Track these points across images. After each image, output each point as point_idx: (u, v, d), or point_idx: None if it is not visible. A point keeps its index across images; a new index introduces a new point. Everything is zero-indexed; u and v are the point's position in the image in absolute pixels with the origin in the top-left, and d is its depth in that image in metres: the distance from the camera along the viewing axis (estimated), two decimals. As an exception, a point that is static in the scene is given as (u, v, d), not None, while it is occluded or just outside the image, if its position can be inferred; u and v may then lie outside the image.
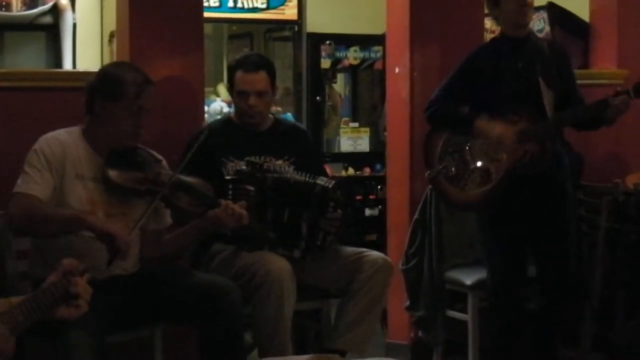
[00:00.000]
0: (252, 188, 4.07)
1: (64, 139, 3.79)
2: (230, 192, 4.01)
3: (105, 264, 3.54)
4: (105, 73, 3.92)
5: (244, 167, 4.22)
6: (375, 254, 4.35)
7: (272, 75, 4.51)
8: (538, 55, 4.52)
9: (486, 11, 5.51)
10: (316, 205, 4.23)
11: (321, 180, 4.28)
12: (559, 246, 4.54)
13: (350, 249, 4.38)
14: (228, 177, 4.19)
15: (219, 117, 6.87)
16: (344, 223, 4.32)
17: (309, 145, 4.71)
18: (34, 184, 3.67)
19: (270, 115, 4.62)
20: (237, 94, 4.45)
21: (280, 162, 4.41)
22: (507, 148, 4.43)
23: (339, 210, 4.28)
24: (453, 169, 4.57)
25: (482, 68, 4.53)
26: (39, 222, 3.61)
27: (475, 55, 4.68)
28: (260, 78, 4.43)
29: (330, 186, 4.26)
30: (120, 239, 3.50)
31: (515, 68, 4.48)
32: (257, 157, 4.29)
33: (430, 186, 5.11)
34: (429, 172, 4.66)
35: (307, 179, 4.26)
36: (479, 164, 4.52)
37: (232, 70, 4.50)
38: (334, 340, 4.29)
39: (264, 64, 4.50)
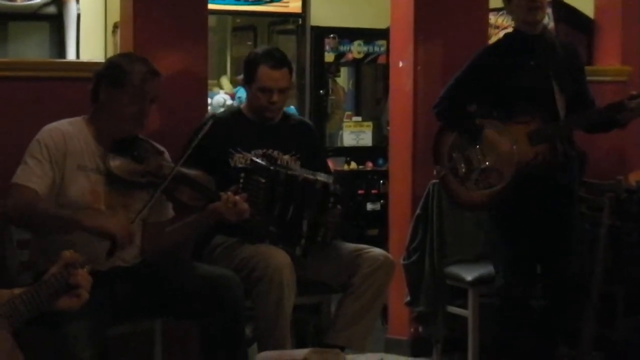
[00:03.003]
0: (263, 180, 4.08)
1: (66, 130, 3.79)
2: (241, 180, 4.02)
3: (105, 256, 3.53)
4: (113, 61, 3.94)
5: (259, 159, 4.23)
6: (377, 250, 4.35)
7: (291, 71, 4.54)
8: (551, 53, 4.50)
9: (492, 6, 5.52)
10: (317, 201, 4.23)
11: (321, 176, 4.28)
12: (563, 245, 4.54)
13: (352, 245, 4.38)
14: (241, 166, 4.20)
15: (222, 109, 6.87)
16: (344, 218, 4.32)
17: (315, 141, 4.72)
18: (33, 175, 3.66)
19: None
20: (259, 90, 4.42)
21: (287, 157, 4.41)
22: (515, 160, 4.41)
23: (338, 206, 4.28)
24: (462, 168, 4.54)
25: (494, 64, 4.49)
26: (35, 220, 3.62)
27: (488, 50, 4.67)
28: (284, 75, 4.43)
29: (330, 182, 4.26)
30: (117, 234, 3.51)
31: (527, 65, 4.45)
32: (265, 151, 4.29)
33: (434, 182, 5.11)
34: (437, 169, 4.63)
35: (309, 175, 4.26)
36: (488, 163, 4.49)
37: (253, 65, 4.45)
38: (333, 335, 4.29)
39: (287, 61, 4.51)
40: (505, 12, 5.01)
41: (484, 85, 4.50)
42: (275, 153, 4.38)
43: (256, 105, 4.47)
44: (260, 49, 4.71)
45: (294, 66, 8.12)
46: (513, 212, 4.48)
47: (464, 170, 4.54)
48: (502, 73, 4.45)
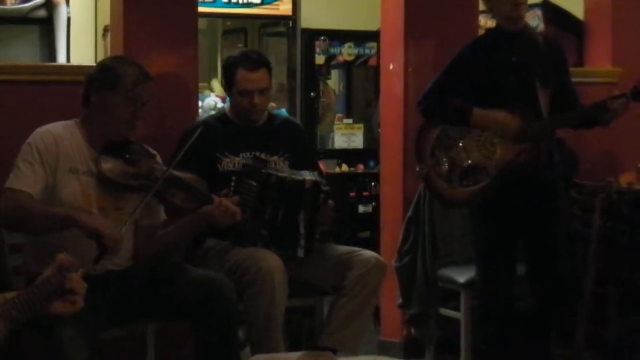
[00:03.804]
0: (254, 183, 4.07)
1: (58, 133, 3.78)
2: (232, 184, 4.02)
3: (92, 261, 3.50)
4: (105, 64, 3.94)
5: (250, 162, 4.22)
6: (368, 253, 4.35)
7: (270, 71, 4.51)
8: (533, 49, 4.49)
9: (481, 8, 5.52)
10: (310, 201, 4.23)
11: (308, 175, 4.28)
12: (549, 244, 4.53)
13: (344, 248, 4.38)
14: (231, 169, 4.19)
15: (212, 112, 6.87)
16: (337, 211, 4.33)
17: (303, 140, 4.71)
18: (26, 179, 3.66)
19: (266, 111, 4.61)
20: (239, 93, 4.42)
21: (275, 157, 4.41)
22: (509, 134, 4.41)
23: (330, 201, 4.29)
24: (445, 166, 4.54)
25: (476, 61, 4.49)
26: (28, 219, 3.61)
27: (469, 48, 4.65)
28: (262, 76, 4.43)
29: (318, 179, 4.26)
30: (107, 237, 3.49)
31: (509, 62, 4.45)
32: (255, 154, 4.29)
33: (422, 183, 5.11)
34: (420, 167, 4.63)
35: (296, 176, 4.25)
36: (471, 161, 4.50)
37: (231, 69, 4.46)
38: (326, 337, 4.28)
39: (264, 61, 4.50)
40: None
41: (466, 82, 4.49)
42: (264, 155, 4.37)
43: (239, 109, 4.47)
44: (237, 52, 4.69)
45: (284, 68, 8.22)
46: (495, 210, 4.49)
47: (446, 167, 4.54)
48: (483, 70, 4.45)
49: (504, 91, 4.42)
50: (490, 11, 4.65)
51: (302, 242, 4.23)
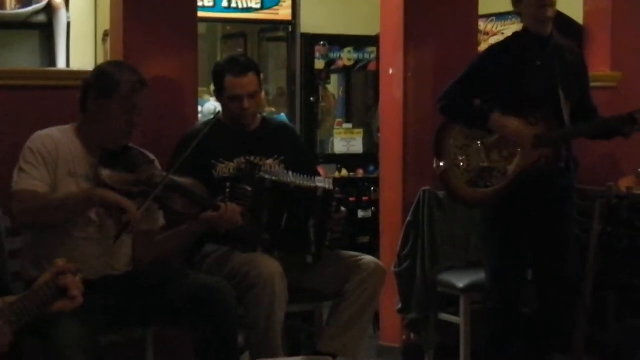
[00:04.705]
0: (249, 188, 4.07)
1: (56, 137, 3.79)
2: (227, 190, 4.01)
3: (113, 238, 3.58)
4: (101, 71, 3.93)
5: (243, 167, 4.22)
6: (368, 258, 4.35)
7: (259, 74, 4.51)
8: (558, 56, 4.48)
9: (482, 12, 5.52)
10: (321, 208, 4.24)
11: (321, 182, 4.29)
12: (558, 250, 4.53)
13: (344, 253, 4.37)
14: (226, 175, 4.19)
15: (212, 116, 6.86)
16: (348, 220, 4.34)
17: (298, 143, 4.71)
18: (32, 179, 3.66)
19: (258, 115, 4.61)
20: (229, 99, 4.43)
21: (270, 161, 4.41)
22: (524, 145, 4.41)
23: (342, 209, 4.29)
24: (464, 165, 4.53)
25: (501, 62, 4.47)
26: (49, 210, 3.61)
27: (495, 49, 4.64)
28: (250, 80, 4.42)
29: (331, 187, 4.26)
30: (129, 210, 3.53)
31: (534, 65, 4.43)
32: (248, 158, 4.29)
33: (424, 189, 5.12)
34: (438, 165, 4.61)
35: (307, 183, 4.25)
36: (490, 162, 4.49)
37: (219, 75, 4.46)
38: (326, 342, 4.27)
39: (252, 65, 4.50)
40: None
41: (489, 83, 4.48)
42: (258, 159, 4.36)
43: (230, 114, 4.47)
44: (224, 58, 4.69)
45: (284, 73, 8.22)
46: (509, 213, 4.48)
47: (464, 166, 4.53)
48: (508, 71, 4.43)
49: (526, 95, 4.42)
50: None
51: (312, 248, 4.23)
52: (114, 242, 3.60)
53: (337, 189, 4.32)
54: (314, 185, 4.26)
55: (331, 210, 4.25)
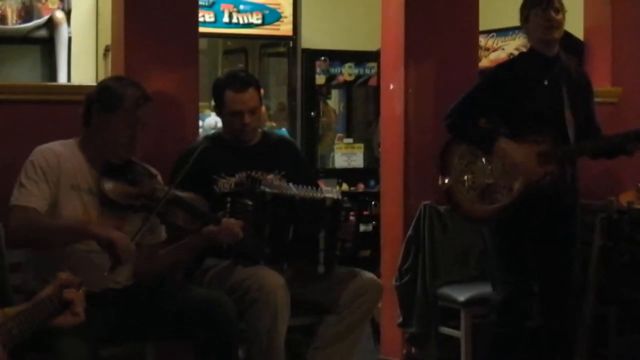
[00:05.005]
0: (250, 202, 4.07)
1: (59, 150, 3.79)
2: (228, 205, 4.01)
3: (107, 270, 3.54)
4: (105, 85, 3.93)
5: (243, 181, 4.23)
6: (366, 273, 4.35)
7: (259, 89, 4.52)
8: (565, 76, 4.50)
9: (481, 28, 5.53)
10: (330, 218, 4.24)
11: (329, 193, 4.30)
12: (563, 266, 4.54)
13: (342, 268, 4.37)
14: (227, 191, 4.19)
15: (213, 131, 6.87)
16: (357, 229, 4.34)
17: (298, 157, 4.72)
18: (31, 195, 3.66)
19: (259, 130, 4.62)
20: (229, 114, 4.43)
21: (271, 176, 4.41)
22: (526, 174, 4.42)
23: (351, 218, 4.30)
24: (469, 182, 4.54)
25: (507, 80, 4.49)
26: (42, 234, 3.61)
27: (502, 67, 4.68)
28: (251, 95, 4.43)
29: (339, 197, 4.28)
30: (120, 247, 3.51)
31: (541, 85, 4.46)
32: (249, 172, 4.30)
33: (425, 203, 5.12)
34: (443, 182, 4.62)
35: (313, 194, 4.26)
36: (496, 179, 4.50)
37: (219, 91, 4.47)
38: (313, 351, 4.28)
39: (252, 80, 4.50)
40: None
41: (495, 102, 4.50)
42: (259, 174, 4.37)
43: (231, 130, 4.47)
44: (224, 73, 4.70)
45: (284, 88, 8.23)
46: (515, 229, 4.49)
47: (469, 183, 4.54)
48: (515, 90, 4.46)
49: (533, 114, 4.44)
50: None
51: (323, 258, 4.24)
52: (108, 274, 3.58)
53: (345, 198, 4.34)
54: (322, 195, 4.27)
55: (341, 219, 4.26)
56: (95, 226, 3.61)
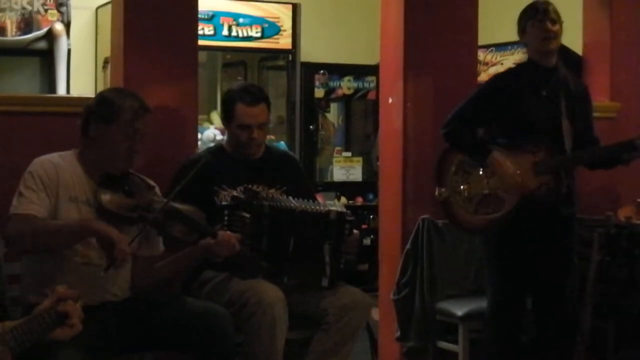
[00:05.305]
0: (247, 215, 4.07)
1: (57, 162, 3.78)
2: (225, 218, 4.01)
3: (102, 270, 3.54)
4: (103, 96, 3.92)
5: (241, 194, 4.22)
6: (354, 290, 4.33)
7: (269, 106, 4.53)
8: (563, 87, 4.51)
9: (481, 43, 5.53)
10: (334, 231, 4.24)
11: (333, 206, 4.31)
12: (558, 279, 4.54)
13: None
14: (224, 203, 4.19)
15: (211, 144, 6.88)
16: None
17: (299, 173, 4.72)
18: (31, 204, 3.65)
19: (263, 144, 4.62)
20: (238, 127, 4.42)
21: (272, 190, 4.40)
22: (518, 185, 4.41)
23: (355, 231, 4.31)
24: (465, 192, 4.55)
25: (505, 91, 4.50)
26: (42, 236, 3.60)
27: (499, 77, 4.69)
28: (261, 111, 4.44)
29: (343, 210, 4.29)
30: (119, 249, 3.50)
31: (539, 95, 4.46)
32: (251, 186, 4.29)
33: (424, 217, 5.12)
34: (440, 192, 4.62)
35: (316, 207, 4.26)
36: (492, 189, 4.50)
37: (230, 103, 4.45)
38: None
39: (263, 96, 4.51)
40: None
41: (493, 111, 4.51)
42: (261, 188, 4.36)
43: (237, 142, 4.47)
44: (237, 85, 4.68)
45: (283, 102, 8.24)
46: (510, 241, 4.48)
47: (466, 194, 4.55)
48: (512, 100, 4.46)
49: (530, 124, 4.44)
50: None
51: (327, 271, 4.23)
52: (103, 273, 3.58)
53: (349, 211, 4.34)
54: (326, 209, 4.28)
55: (345, 232, 4.26)
56: (96, 223, 3.60)
